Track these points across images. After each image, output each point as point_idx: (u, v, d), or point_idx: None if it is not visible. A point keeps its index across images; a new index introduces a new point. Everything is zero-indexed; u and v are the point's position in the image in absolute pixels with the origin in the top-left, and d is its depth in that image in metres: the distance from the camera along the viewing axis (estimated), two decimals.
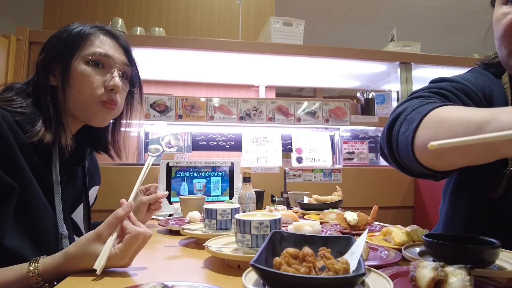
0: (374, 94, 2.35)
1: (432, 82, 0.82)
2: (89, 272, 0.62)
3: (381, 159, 2.57)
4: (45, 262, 0.64)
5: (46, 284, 0.63)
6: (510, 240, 0.68)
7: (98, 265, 0.61)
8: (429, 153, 0.58)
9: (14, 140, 0.73)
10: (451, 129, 0.52)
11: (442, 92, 0.74)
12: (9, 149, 0.72)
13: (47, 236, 0.78)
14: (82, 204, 0.97)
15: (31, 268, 0.62)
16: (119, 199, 0.70)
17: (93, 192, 1.06)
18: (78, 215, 0.94)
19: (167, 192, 1.38)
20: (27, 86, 0.86)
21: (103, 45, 0.88)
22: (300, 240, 0.58)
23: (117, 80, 0.87)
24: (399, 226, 0.87)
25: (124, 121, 1.01)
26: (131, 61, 0.95)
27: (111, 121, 0.99)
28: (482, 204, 0.80)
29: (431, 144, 0.41)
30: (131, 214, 0.69)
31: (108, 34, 0.91)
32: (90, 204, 1.03)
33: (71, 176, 0.91)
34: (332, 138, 2.30)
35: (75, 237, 0.89)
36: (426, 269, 0.49)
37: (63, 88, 0.83)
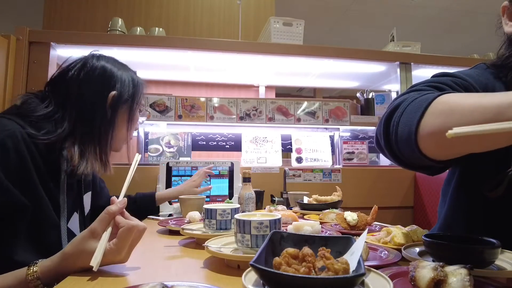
0: (374, 94, 2.35)
1: (434, 76, 0.80)
2: (88, 271, 0.62)
3: (381, 159, 2.58)
4: (43, 264, 0.64)
5: (45, 287, 0.63)
6: (510, 241, 0.68)
7: (94, 261, 0.61)
8: (436, 143, 0.57)
9: (30, 161, 0.78)
10: (463, 116, 0.51)
11: (441, 87, 0.72)
12: (26, 169, 0.77)
13: (56, 251, 0.80)
14: (76, 211, 0.98)
15: (30, 272, 0.63)
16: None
17: (86, 199, 1.05)
18: (73, 223, 0.95)
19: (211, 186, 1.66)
20: (63, 111, 0.89)
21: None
22: (300, 240, 0.57)
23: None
24: (399, 226, 0.87)
25: None
26: None
27: None
28: (483, 204, 0.80)
29: (449, 132, 0.40)
30: (124, 210, 0.69)
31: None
32: (86, 213, 1.03)
33: (70, 188, 0.93)
34: (332, 138, 2.30)
35: None
36: (426, 269, 0.49)
37: (128, 127, 1.00)
